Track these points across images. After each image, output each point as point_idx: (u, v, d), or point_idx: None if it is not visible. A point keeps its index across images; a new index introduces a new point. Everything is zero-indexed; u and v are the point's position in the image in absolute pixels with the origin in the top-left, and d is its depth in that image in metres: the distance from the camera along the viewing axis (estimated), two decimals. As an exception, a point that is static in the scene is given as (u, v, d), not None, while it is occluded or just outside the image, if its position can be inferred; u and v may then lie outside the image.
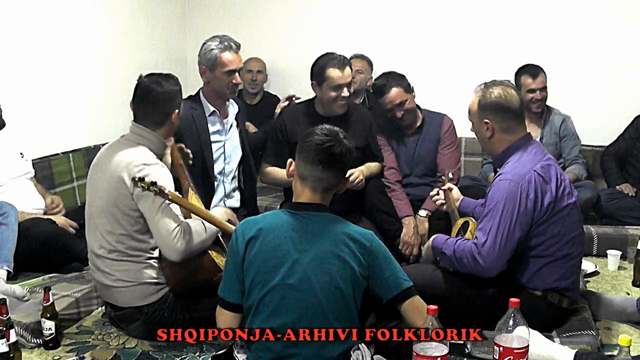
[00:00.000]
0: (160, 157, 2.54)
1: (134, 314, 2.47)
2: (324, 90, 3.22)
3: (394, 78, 3.48)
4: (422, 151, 3.57)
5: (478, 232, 2.38)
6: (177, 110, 2.53)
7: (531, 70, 3.98)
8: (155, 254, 2.47)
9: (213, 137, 3.20)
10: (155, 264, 2.46)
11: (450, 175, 3.13)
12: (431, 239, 2.62)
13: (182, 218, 2.41)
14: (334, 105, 3.24)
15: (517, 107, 2.45)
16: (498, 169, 2.49)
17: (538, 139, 4.06)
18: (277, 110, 3.58)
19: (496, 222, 2.32)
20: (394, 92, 3.42)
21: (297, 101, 3.62)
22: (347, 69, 3.21)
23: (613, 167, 4.11)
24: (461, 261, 2.39)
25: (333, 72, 3.18)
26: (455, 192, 2.90)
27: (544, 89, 3.98)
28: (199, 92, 3.26)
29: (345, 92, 3.20)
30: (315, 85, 3.26)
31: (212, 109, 3.21)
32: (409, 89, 3.48)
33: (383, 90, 3.46)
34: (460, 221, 2.71)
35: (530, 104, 3.95)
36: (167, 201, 2.36)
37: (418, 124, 3.59)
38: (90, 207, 2.51)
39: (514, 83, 4.09)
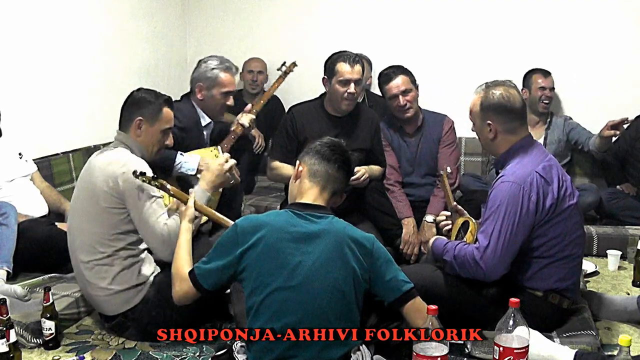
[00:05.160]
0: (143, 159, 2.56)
1: (123, 322, 2.48)
2: (333, 84, 3.24)
3: (402, 69, 3.55)
4: (424, 151, 3.58)
5: (480, 236, 2.37)
6: (140, 118, 2.53)
7: (542, 70, 4.20)
8: (133, 253, 2.47)
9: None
10: (134, 266, 2.46)
11: (449, 170, 3.11)
12: (431, 240, 2.61)
13: (166, 216, 2.44)
14: (341, 101, 3.25)
15: (520, 107, 2.44)
16: (500, 171, 2.48)
17: (542, 139, 4.11)
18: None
19: (498, 225, 2.31)
20: (401, 78, 3.48)
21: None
22: (358, 66, 3.24)
23: (614, 167, 4.12)
24: (463, 267, 2.38)
25: (342, 67, 3.21)
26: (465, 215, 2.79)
27: (552, 89, 4.19)
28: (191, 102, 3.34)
29: (352, 89, 3.20)
30: (326, 80, 3.28)
31: (208, 120, 3.34)
32: (414, 83, 3.53)
33: (390, 77, 3.49)
34: (460, 220, 2.71)
35: (539, 102, 4.15)
36: (153, 198, 2.41)
37: (419, 124, 3.59)
38: (74, 215, 2.52)
39: (521, 82, 4.17)
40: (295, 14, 4.86)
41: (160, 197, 2.47)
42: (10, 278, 2.77)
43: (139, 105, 2.56)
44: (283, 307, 1.94)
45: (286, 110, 3.60)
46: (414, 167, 3.60)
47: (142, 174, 2.36)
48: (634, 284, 3.17)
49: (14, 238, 2.84)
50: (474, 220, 2.61)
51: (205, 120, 3.32)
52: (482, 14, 4.53)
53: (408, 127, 3.59)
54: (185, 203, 2.45)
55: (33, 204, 3.21)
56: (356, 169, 3.08)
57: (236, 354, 2.04)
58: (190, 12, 5.07)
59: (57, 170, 3.63)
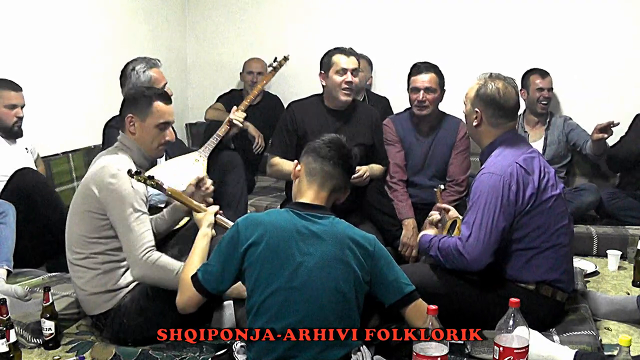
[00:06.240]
0: (142, 165, 2.51)
1: (96, 323, 2.50)
2: (330, 76, 3.26)
3: (435, 68, 3.47)
4: (436, 153, 3.53)
5: (462, 226, 2.41)
6: (131, 115, 2.48)
7: (540, 71, 4.19)
8: (112, 259, 2.42)
9: None
10: (112, 272, 2.41)
11: (442, 187, 3.13)
12: (419, 236, 2.63)
13: (151, 235, 2.37)
14: (339, 92, 3.26)
15: (511, 106, 2.49)
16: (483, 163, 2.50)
17: (542, 139, 4.11)
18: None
19: (479, 214, 2.34)
20: (429, 76, 3.41)
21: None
22: (353, 57, 3.28)
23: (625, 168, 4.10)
24: (447, 258, 2.41)
25: (338, 58, 3.26)
26: (453, 213, 2.78)
27: (551, 89, 4.18)
28: None
29: (349, 77, 3.23)
30: (324, 74, 3.29)
31: None
32: (442, 89, 3.46)
33: (420, 70, 3.43)
34: (450, 221, 2.73)
35: (537, 103, 4.14)
36: (137, 213, 2.34)
37: (434, 124, 3.53)
38: (70, 211, 2.50)
39: (520, 83, 4.16)
40: (295, 14, 4.86)
41: (146, 213, 2.40)
42: (12, 275, 2.79)
43: (128, 103, 2.53)
44: (284, 308, 1.93)
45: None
46: (423, 167, 3.55)
47: (137, 173, 2.33)
48: (634, 284, 3.17)
49: (13, 237, 2.85)
50: (460, 217, 2.63)
51: None
52: (482, 14, 4.53)
53: (424, 125, 3.53)
54: (182, 202, 2.45)
55: None
56: (357, 168, 3.07)
57: (236, 354, 2.04)
58: (190, 12, 5.07)
59: (57, 170, 3.64)
